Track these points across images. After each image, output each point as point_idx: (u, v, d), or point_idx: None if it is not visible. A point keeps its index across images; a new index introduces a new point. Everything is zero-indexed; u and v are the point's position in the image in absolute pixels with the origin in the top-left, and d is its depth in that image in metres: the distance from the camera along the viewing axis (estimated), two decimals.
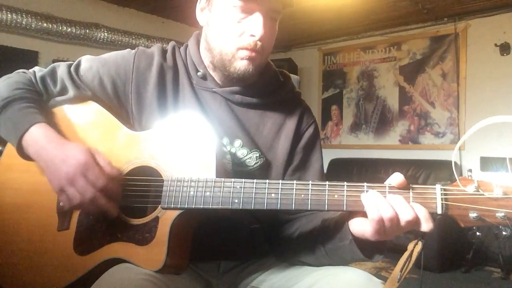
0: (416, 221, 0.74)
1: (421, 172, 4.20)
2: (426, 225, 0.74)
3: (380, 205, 0.74)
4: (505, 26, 3.99)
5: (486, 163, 3.95)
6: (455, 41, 4.27)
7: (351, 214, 0.81)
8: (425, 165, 4.21)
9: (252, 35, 0.93)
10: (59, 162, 0.86)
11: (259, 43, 0.94)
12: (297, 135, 1.06)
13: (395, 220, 0.74)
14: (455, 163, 4.15)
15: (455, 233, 3.56)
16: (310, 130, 1.08)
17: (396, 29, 4.64)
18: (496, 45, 4.00)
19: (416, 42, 4.57)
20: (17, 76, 1.01)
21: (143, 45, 4.21)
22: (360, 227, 0.79)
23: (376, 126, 4.84)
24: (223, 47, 0.96)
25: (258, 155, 1.01)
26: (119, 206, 0.90)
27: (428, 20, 4.38)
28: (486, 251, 3.71)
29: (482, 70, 4.11)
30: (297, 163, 1.05)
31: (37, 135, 0.89)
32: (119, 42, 4.11)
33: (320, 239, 0.89)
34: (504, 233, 3.31)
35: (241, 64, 0.95)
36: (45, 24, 3.62)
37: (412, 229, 0.76)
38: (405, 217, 0.73)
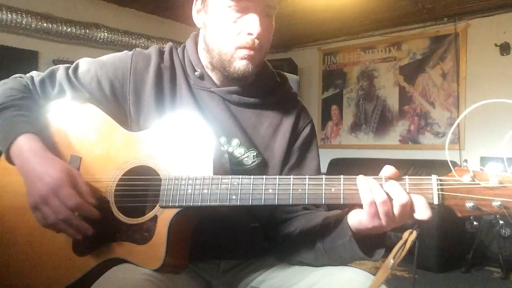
0: (411, 206, 0.73)
1: (421, 172, 4.19)
2: (424, 213, 0.73)
3: (373, 188, 0.74)
4: (505, 26, 3.99)
5: (486, 163, 3.95)
6: (455, 41, 4.27)
7: (350, 210, 0.81)
8: (425, 165, 4.20)
9: (250, 34, 0.93)
10: (36, 179, 0.85)
11: (256, 41, 0.94)
12: (294, 134, 1.06)
13: (388, 203, 0.74)
14: (454, 162, 4.14)
15: (455, 233, 3.56)
16: (307, 130, 1.09)
17: (396, 29, 4.63)
18: (496, 45, 3.99)
19: (416, 42, 4.56)
20: (13, 82, 1.00)
21: (143, 45, 4.20)
22: (356, 216, 0.79)
23: (376, 126, 4.84)
24: (222, 48, 0.96)
25: (255, 154, 1.01)
26: (117, 206, 0.90)
27: (428, 20, 4.38)
28: (486, 251, 3.71)
29: (482, 70, 4.11)
30: (294, 162, 1.05)
31: (22, 147, 0.89)
32: (119, 42, 4.10)
33: (319, 238, 0.89)
34: (503, 232, 3.31)
35: (240, 64, 0.95)
36: (45, 24, 3.62)
37: (411, 219, 0.75)
38: (398, 201, 0.73)
